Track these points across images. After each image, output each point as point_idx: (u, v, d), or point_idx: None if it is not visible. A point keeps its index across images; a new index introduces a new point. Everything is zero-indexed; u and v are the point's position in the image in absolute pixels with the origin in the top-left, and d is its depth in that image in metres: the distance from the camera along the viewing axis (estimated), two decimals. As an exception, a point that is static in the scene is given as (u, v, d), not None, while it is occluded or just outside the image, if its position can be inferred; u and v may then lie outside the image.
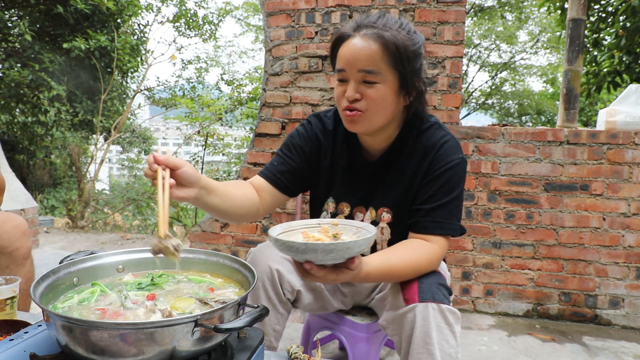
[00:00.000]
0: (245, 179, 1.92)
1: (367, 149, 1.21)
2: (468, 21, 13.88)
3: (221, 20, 9.79)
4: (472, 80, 16.88)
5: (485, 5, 14.18)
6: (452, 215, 1.10)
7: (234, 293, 0.89)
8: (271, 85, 2.67)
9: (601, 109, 2.50)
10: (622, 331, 2.32)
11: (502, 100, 16.09)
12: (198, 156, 7.43)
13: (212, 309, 0.73)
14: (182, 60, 9.90)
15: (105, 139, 7.69)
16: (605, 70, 5.24)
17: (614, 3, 4.97)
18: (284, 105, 2.66)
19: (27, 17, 6.48)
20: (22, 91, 6.37)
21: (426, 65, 2.43)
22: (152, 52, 9.70)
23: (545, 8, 5.91)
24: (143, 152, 11.03)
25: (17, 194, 3.49)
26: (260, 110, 2.70)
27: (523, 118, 15.57)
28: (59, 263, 0.91)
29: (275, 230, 0.92)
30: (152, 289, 0.89)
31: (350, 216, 1.23)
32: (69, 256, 0.93)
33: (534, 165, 2.39)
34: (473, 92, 16.02)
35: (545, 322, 2.41)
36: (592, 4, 5.29)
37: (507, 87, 15.88)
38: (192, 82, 9.92)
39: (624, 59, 5.00)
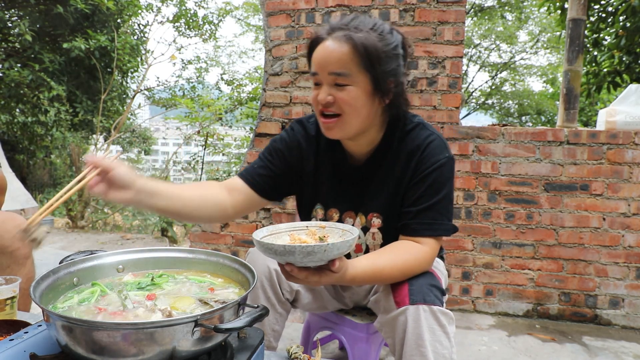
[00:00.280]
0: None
1: (351, 154, 1.20)
2: (468, 21, 13.88)
3: (221, 20, 9.79)
4: (472, 80, 16.89)
5: (485, 5, 14.18)
6: (442, 215, 1.08)
7: (234, 293, 0.89)
8: (271, 85, 2.67)
9: (601, 109, 2.50)
10: (622, 331, 2.32)
11: (502, 100, 16.10)
12: (198, 156, 7.43)
13: (212, 309, 0.73)
14: (182, 60, 9.91)
15: (105, 139, 7.69)
16: (605, 70, 5.24)
17: (614, 3, 4.97)
18: (284, 105, 2.66)
19: (27, 17, 6.48)
20: (22, 91, 6.37)
21: (426, 64, 2.44)
22: (152, 52, 9.70)
23: (545, 8, 5.92)
24: (143, 152, 11.04)
25: (17, 194, 3.49)
26: (260, 110, 2.70)
27: (523, 118, 15.58)
28: (59, 263, 0.91)
29: (261, 233, 0.92)
30: (152, 289, 0.89)
31: (340, 222, 1.21)
32: (69, 256, 0.93)
33: (534, 165, 2.39)
34: (473, 92, 16.03)
35: (545, 322, 2.41)
36: (592, 4, 5.29)
37: (507, 87, 15.89)
38: (192, 82, 9.92)
39: (624, 59, 5.01)
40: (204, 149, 6.99)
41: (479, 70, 15.84)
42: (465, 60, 14.45)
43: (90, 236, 4.44)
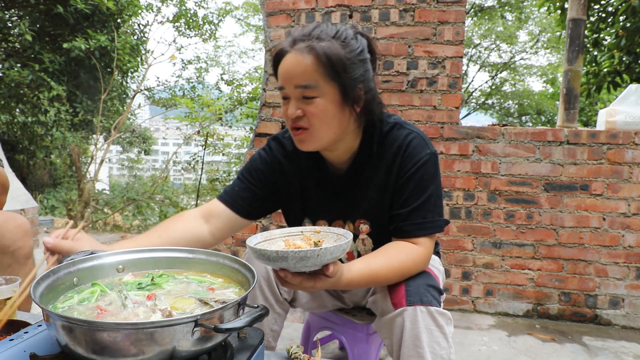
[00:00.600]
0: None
1: (331, 163, 1.18)
2: (468, 21, 13.88)
3: (221, 20, 9.80)
4: (472, 80, 16.90)
5: (485, 5, 14.19)
6: (432, 213, 1.07)
7: (234, 293, 0.89)
8: (271, 85, 2.67)
9: (601, 109, 2.50)
10: (622, 331, 2.32)
11: (502, 100, 16.10)
12: (198, 156, 7.43)
13: (212, 309, 0.72)
14: (182, 60, 9.92)
15: (105, 139, 7.69)
16: (605, 70, 5.24)
17: (614, 3, 4.97)
18: (284, 105, 2.66)
19: (27, 17, 6.48)
20: (22, 91, 6.37)
21: (426, 64, 2.44)
22: (152, 52, 9.71)
23: (545, 8, 5.92)
24: (143, 152, 11.05)
25: (17, 194, 3.49)
26: (260, 110, 2.70)
27: (523, 118, 15.58)
28: (57, 263, 0.91)
29: (255, 239, 0.92)
30: (152, 288, 0.89)
31: None
32: (69, 256, 0.93)
33: (534, 165, 2.39)
34: (473, 92, 16.03)
35: (545, 322, 2.41)
36: (592, 4, 5.29)
37: (507, 87, 15.90)
38: (192, 82, 9.93)
39: (624, 59, 5.01)
40: (204, 149, 6.99)
41: (479, 70, 15.85)
42: (465, 60, 14.45)
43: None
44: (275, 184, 1.22)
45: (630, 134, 2.31)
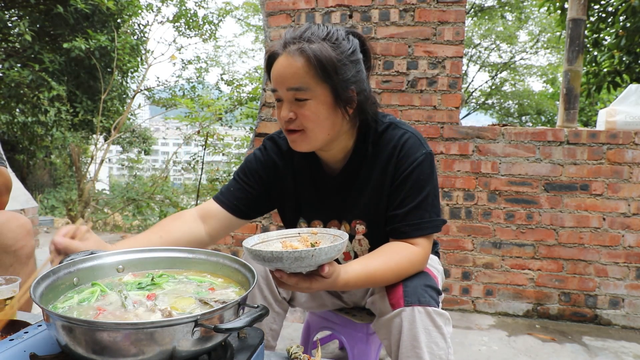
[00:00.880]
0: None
1: (326, 163, 1.18)
2: (468, 21, 13.89)
3: (221, 20, 9.80)
4: (472, 80, 16.90)
5: (485, 5, 14.19)
6: (429, 213, 1.07)
7: (234, 293, 0.89)
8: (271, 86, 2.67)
9: (601, 109, 2.50)
10: (622, 331, 2.32)
11: (502, 100, 16.10)
12: (198, 156, 7.43)
13: (212, 309, 0.72)
14: (182, 60, 9.92)
15: (105, 139, 7.69)
16: (605, 70, 5.24)
17: (614, 3, 4.97)
18: (284, 105, 2.66)
19: (27, 17, 6.48)
20: (22, 91, 6.38)
21: (426, 64, 2.44)
22: (152, 52, 9.72)
23: (545, 8, 5.92)
24: (143, 152, 11.05)
25: (17, 194, 3.49)
26: (260, 110, 2.70)
27: (523, 118, 15.59)
28: (59, 263, 0.91)
29: (252, 241, 0.92)
30: (152, 288, 0.89)
31: None
32: (69, 256, 0.93)
33: (534, 165, 2.39)
34: (473, 92, 16.03)
35: (545, 322, 2.41)
36: (592, 4, 5.29)
37: (507, 87, 15.90)
38: (192, 82, 9.93)
39: (624, 59, 5.01)
40: (204, 149, 6.99)
41: (479, 70, 15.85)
42: (465, 60, 14.46)
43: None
44: (270, 183, 1.23)
45: (630, 134, 2.31)
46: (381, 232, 1.14)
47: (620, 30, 4.83)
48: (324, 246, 0.83)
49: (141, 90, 8.80)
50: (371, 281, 1.00)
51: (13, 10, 6.91)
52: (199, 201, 6.95)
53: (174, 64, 9.28)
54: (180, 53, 9.99)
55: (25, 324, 0.91)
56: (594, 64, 5.42)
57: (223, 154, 7.60)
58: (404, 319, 0.98)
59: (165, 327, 0.66)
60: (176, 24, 9.11)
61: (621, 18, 4.81)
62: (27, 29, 5.93)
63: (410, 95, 2.48)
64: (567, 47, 2.68)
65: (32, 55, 6.29)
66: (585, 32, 4.59)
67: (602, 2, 5.34)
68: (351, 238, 1.19)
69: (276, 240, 0.97)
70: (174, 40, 9.45)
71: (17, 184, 3.55)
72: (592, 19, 5.42)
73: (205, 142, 6.88)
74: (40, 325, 0.86)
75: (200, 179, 7.18)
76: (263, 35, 3.12)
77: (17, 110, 7.24)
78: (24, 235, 1.48)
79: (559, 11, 5.57)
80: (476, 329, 2.28)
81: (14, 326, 0.91)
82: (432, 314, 0.98)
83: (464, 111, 15.72)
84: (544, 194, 2.39)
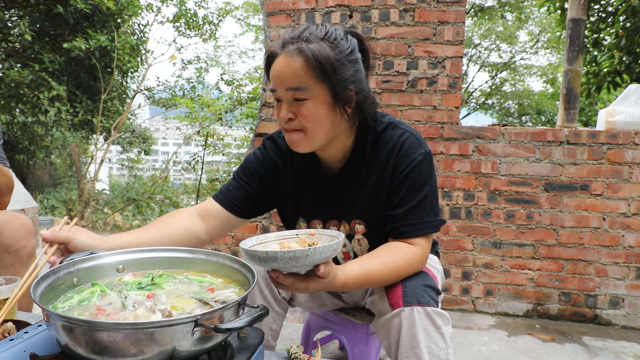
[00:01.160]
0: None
1: (325, 163, 1.18)
2: (468, 21, 13.88)
3: (221, 20, 9.80)
4: (472, 80, 16.90)
5: (485, 5, 14.19)
6: (428, 212, 1.07)
7: (234, 293, 0.89)
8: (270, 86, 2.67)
9: (601, 109, 2.50)
10: (622, 331, 2.32)
11: (502, 100, 16.10)
12: (198, 156, 7.44)
13: (212, 309, 0.72)
14: (182, 60, 9.93)
15: (105, 139, 7.70)
16: (605, 70, 5.24)
17: (614, 3, 4.97)
18: (284, 105, 2.66)
19: (27, 17, 6.48)
20: (22, 91, 6.37)
21: (426, 64, 2.44)
22: (152, 52, 9.72)
23: (545, 8, 5.92)
24: (143, 152, 11.05)
25: (17, 193, 3.49)
26: (260, 110, 2.70)
27: (523, 118, 15.58)
28: (59, 263, 0.91)
29: (250, 242, 0.92)
30: (152, 288, 0.89)
31: None
32: (69, 256, 0.93)
33: (534, 165, 2.39)
34: (473, 92, 16.03)
35: (545, 322, 2.41)
36: (592, 4, 5.29)
37: (507, 87, 15.90)
38: (192, 82, 9.94)
39: (624, 59, 5.01)
40: (204, 149, 6.99)
41: (479, 70, 15.85)
42: (465, 60, 14.46)
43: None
44: (269, 183, 1.23)
45: (630, 134, 2.31)
46: (380, 232, 1.14)
47: (620, 30, 4.83)
48: (319, 245, 0.83)
49: (141, 90, 8.80)
50: (369, 281, 1.00)
51: (13, 10, 6.91)
52: (198, 201, 6.96)
53: (174, 64, 9.29)
54: (180, 53, 10.00)
55: (25, 324, 0.91)
56: (594, 64, 5.42)
57: (223, 154, 7.61)
58: (403, 319, 0.98)
59: (165, 327, 0.66)
60: (176, 24, 9.11)
61: (621, 18, 4.81)
62: (27, 29, 5.93)
63: (410, 95, 2.48)
64: (567, 47, 2.68)
65: (32, 55, 6.29)
66: (585, 32, 4.59)
67: (602, 2, 5.34)
68: (350, 238, 1.19)
69: (274, 241, 0.97)
70: (174, 40, 9.46)
71: (17, 184, 3.55)
72: (592, 19, 5.42)
73: (205, 142, 6.88)
74: (40, 325, 0.86)
75: (200, 179, 7.19)
76: (263, 35, 3.11)
77: (17, 110, 7.24)
78: (25, 235, 1.48)
79: (559, 11, 5.57)
80: (476, 329, 2.28)
81: (14, 326, 0.91)
82: (431, 314, 0.98)
83: (464, 111, 15.72)
84: (544, 194, 2.39)
